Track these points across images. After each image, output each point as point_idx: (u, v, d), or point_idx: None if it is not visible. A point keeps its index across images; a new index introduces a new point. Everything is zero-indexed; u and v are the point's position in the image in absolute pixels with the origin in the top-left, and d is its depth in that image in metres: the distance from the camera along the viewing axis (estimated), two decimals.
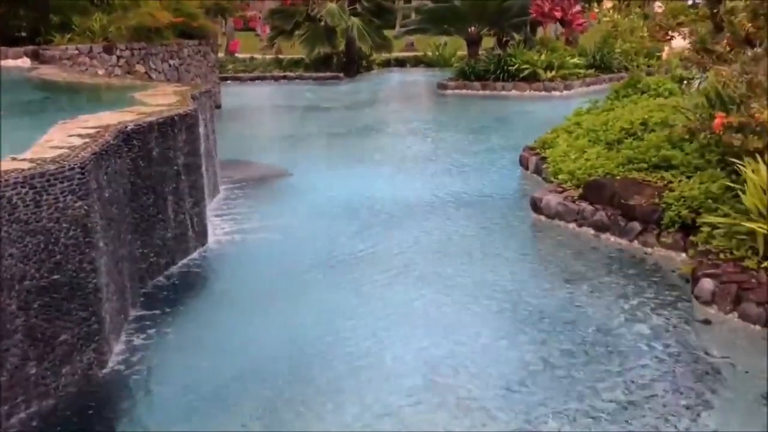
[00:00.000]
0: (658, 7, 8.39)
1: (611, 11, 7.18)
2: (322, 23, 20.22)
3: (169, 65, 12.54)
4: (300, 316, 4.79)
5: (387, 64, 24.33)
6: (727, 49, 6.71)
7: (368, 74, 22.48)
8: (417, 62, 25.08)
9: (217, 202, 7.45)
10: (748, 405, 3.60)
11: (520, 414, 3.55)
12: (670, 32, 8.57)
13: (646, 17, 7.27)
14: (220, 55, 20.77)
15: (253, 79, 21.31)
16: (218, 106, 13.75)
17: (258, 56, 23.57)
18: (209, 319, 4.79)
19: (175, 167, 5.50)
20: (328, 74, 21.19)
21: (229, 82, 19.73)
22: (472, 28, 19.05)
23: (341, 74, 21.25)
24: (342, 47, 21.75)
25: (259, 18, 28.51)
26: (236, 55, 24.65)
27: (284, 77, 21.41)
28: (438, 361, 4.09)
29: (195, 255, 5.80)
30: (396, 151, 10.69)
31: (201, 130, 6.31)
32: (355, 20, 20.70)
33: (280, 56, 22.95)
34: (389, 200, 7.61)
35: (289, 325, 4.66)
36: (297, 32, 21.06)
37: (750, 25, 5.84)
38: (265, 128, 13.94)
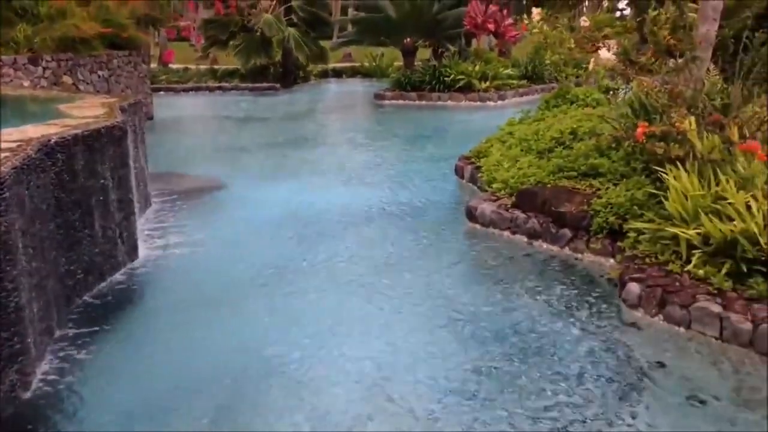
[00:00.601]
0: (584, 21, 8.68)
1: (540, 23, 7.36)
2: (258, 33, 20.08)
3: (98, 76, 12.22)
4: (239, 329, 4.71)
5: (324, 74, 24.36)
6: (651, 60, 6.96)
7: (305, 85, 22.43)
8: (354, 73, 25.20)
9: (149, 215, 7.27)
10: (673, 404, 3.71)
11: (462, 416, 3.59)
12: (597, 44, 8.86)
13: (572, 29, 7.50)
14: (154, 65, 20.39)
15: (187, 90, 20.98)
16: (150, 118, 13.48)
17: (192, 67, 23.23)
18: (141, 336, 4.66)
19: (103, 181, 5.34)
20: (265, 85, 21.06)
21: (162, 93, 19.36)
22: (408, 39, 19.24)
23: (278, 85, 21.13)
24: (278, 58, 21.64)
25: (194, 28, 28.12)
26: (170, 65, 24.22)
27: (219, 88, 21.16)
28: (378, 369, 4.09)
29: (126, 270, 5.64)
30: (334, 161, 10.67)
31: (130, 142, 6.16)
32: (292, 30, 20.64)
33: (215, 66, 22.68)
34: (327, 211, 7.58)
35: (227, 338, 4.56)
36: (232, 42, 20.86)
37: (670, 37, 6.07)
38: (200, 140, 13.71)
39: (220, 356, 4.31)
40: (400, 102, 17.66)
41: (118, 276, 5.51)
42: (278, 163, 10.59)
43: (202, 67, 22.91)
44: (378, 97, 18.18)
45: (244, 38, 20.52)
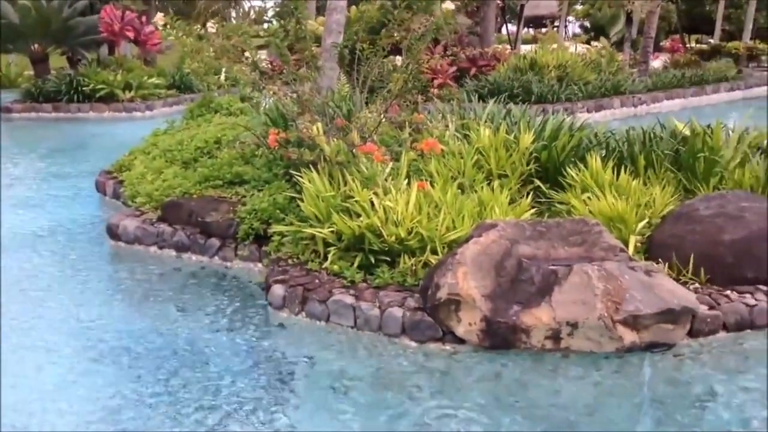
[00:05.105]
0: (211, 28, 8.76)
1: (173, 31, 7.21)
2: None
3: None
4: None
5: None
6: (284, 69, 7.27)
7: None
8: None
9: None
10: (321, 395, 3.92)
11: None
12: (242, 53, 8.97)
13: (200, 38, 7.51)
14: None
15: None
16: None
17: None
18: None
19: None
20: None
21: None
22: (36, 45, 17.42)
23: None
24: None
25: None
26: None
27: None
28: (17, 409, 3.69)
29: None
30: None
31: None
32: None
33: None
34: None
35: None
36: None
37: (295, 48, 6.41)
38: None
39: None
40: (33, 115, 15.98)
41: None
42: None
43: None
44: (5, 111, 16.17)
45: None
